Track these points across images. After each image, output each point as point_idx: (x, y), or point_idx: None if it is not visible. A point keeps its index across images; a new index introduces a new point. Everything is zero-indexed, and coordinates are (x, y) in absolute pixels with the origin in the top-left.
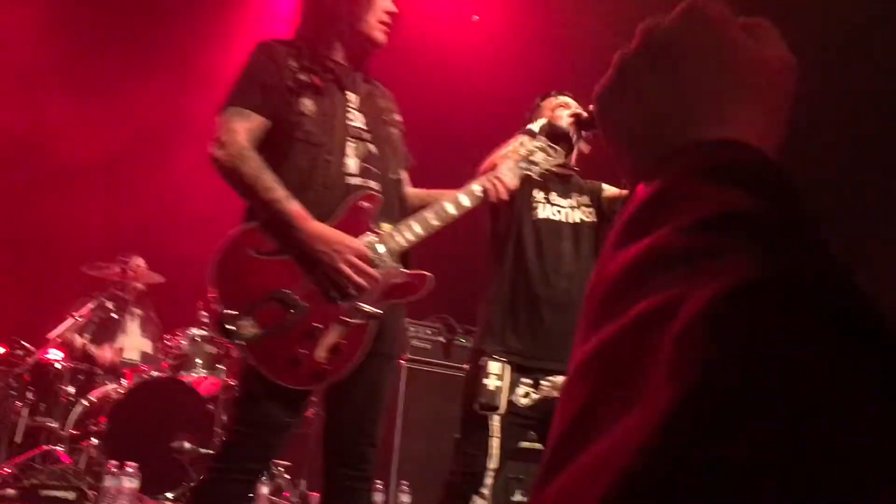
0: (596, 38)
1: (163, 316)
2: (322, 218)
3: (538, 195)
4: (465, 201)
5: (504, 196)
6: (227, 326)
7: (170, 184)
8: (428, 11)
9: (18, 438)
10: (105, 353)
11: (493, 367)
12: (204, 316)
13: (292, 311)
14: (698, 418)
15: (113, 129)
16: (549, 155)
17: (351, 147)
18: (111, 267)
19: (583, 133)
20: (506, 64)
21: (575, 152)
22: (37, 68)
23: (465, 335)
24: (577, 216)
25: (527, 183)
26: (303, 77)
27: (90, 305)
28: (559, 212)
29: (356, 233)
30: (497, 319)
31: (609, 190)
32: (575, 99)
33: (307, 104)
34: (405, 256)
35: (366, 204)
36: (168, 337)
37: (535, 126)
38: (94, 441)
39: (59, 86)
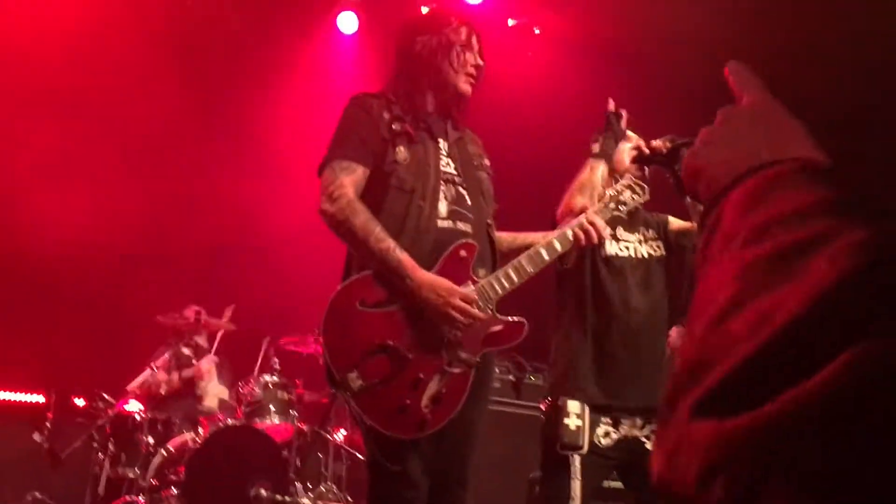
0: (650, 71)
1: (235, 363)
2: (418, 263)
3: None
4: (559, 246)
5: (595, 241)
6: (336, 378)
7: (239, 233)
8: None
9: (101, 490)
10: (200, 366)
11: (573, 406)
12: (275, 362)
13: (397, 362)
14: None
15: (186, 188)
16: (635, 193)
17: (442, 191)
18: (185, 316)
19: (645, 168)
20: (561, 97)
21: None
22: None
23: (534, 373)
24: (644, 251)
25: None
26: (396, 127)
27: (167, 355)
28: (627, 247)
29: (456, 282)
30: (570, 358)
31: (675, 223)
32: (635, 131)
33: (401, 152)
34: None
35: (464, 253)
36: (241, 384)
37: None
38: (174, 491)
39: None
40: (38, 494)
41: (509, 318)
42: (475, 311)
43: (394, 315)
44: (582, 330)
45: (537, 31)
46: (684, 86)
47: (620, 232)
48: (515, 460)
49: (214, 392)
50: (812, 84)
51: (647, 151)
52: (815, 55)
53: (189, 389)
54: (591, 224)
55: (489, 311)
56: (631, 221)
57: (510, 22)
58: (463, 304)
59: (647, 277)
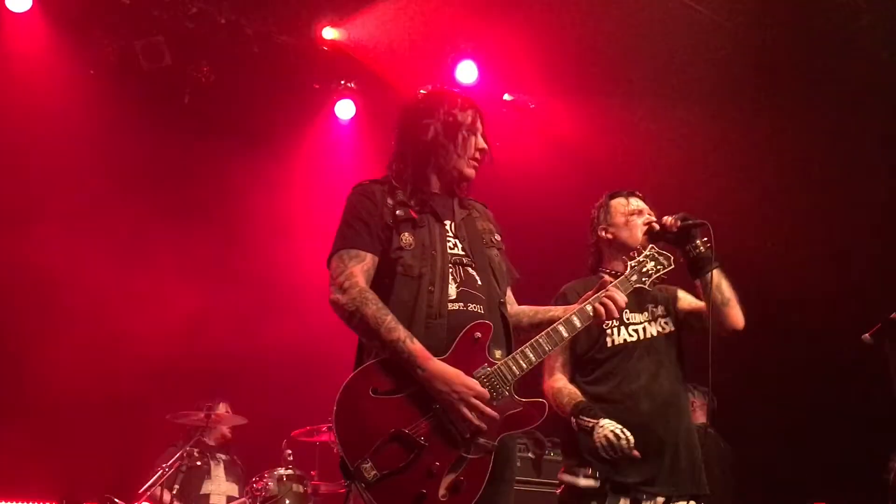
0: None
1: (248, 458)
2: (433, 349)
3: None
4: (578, 323)
5: (615, 316)
6: (350, 469)
7: (247, 328)
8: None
9: None
10: None
11: (585, 482)
12: (289, 454)
13: (411, 450)
14: None
15: (188, 281)
16: (660, 264)
17: (451, 274)
18: (195, 413)
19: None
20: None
21: None
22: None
23: (554, 449)
24: (653, 330)
25: None
26: (400, 213)
27: (176, 455)
28: (634, 332)
29: (472, 365)
30: (581, 441)
31: (685, 299)
32: (645, 201)
33: (406, 238)
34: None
35: (478, 335)
36: (255, 479)
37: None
38: None
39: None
40: None
41: (529, 400)
42: (488, 410)
43: (407, 402)
44: None
45: (532, 106)
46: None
47: (628, 315)
48: None
49: (221, 490)
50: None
51: (657, 228)
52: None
53: (195, 491)
54: (611, 299)
55: (507, 393)
56: (639, 300)
57: (506, 97)
58: (476, 403)
59: (658, 358)
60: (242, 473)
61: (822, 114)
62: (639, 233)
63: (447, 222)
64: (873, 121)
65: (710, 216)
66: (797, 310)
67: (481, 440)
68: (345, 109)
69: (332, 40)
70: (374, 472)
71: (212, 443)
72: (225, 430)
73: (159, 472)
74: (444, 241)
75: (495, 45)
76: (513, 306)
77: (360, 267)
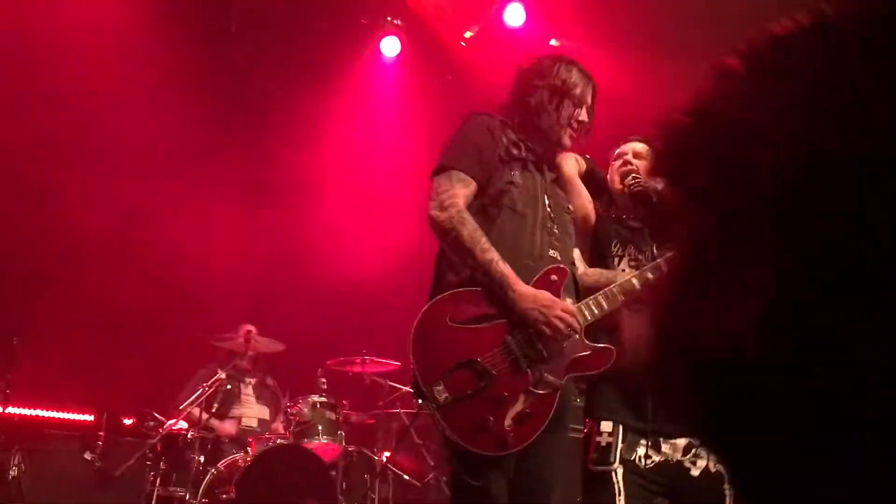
0: None
1: (284, 383)
2: None
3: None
4: (651, 275)
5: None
6: (423, 390)
7: (288, 255)
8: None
9: None
10: (225, 427)
11: (605, 426)
12: (323, 383)
13: (482, 379)
14: None
15: (233, 206)
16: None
17: (544, 223)
18: (234, 337)
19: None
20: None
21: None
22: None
23: (579, 396)
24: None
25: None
26: (514, 150)
27: (215, 377)
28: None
29: None
30: (599, 382)
31: None
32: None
33: (516, 176)
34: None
35: (555, 277)
36: (290, 404)
37: None
38: None
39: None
40: None
41: (597, 346)
42: (576, 322)
43: (482, 332)
44: None
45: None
46: None
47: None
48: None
49: (253, 413)
50: None
51: (629, 181)
52: None
53: (227, 410)
54: None
55: (577, 337)
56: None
57: (553, 42)
58: (565, 315)
59: None
60: (273, 397)
61: None
62: (616, 176)
63: (546, 176)
64: None
65: None
66: None
67: (549, 377)
68: (390, 46)
69: None
70: (446, 394)
71: (248, 365)
72: (259, 353)
73: (199, 391)
74: (543, 192)
75: None
76: (580, 267)
77: (464, 191)
